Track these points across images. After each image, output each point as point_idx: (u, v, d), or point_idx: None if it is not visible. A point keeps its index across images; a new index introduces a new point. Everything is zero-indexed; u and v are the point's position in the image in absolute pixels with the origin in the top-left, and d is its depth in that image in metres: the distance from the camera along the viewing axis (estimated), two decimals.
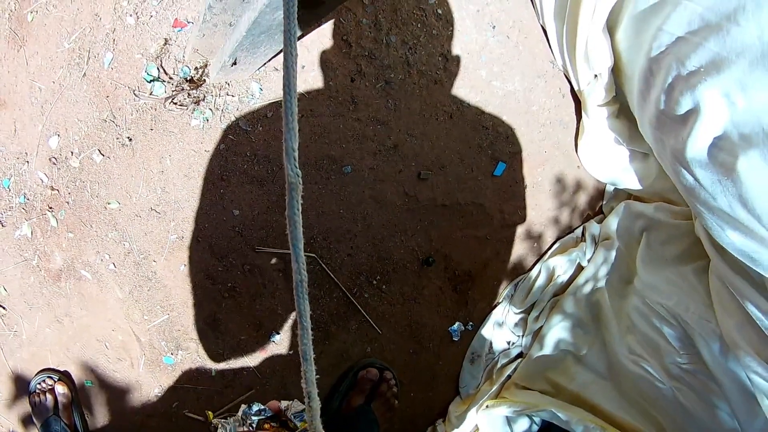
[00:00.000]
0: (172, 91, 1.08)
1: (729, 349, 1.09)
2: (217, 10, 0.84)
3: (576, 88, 1.32)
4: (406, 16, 1.17)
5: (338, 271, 1.18)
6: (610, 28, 1.20)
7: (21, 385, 1.35)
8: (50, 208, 1.21)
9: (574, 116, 1.36)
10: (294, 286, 0.43)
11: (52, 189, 1.20)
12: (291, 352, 1.22)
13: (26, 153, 1.23)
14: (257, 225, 1.13)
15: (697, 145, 0.97)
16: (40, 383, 1.30)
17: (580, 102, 1.34)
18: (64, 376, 1.31)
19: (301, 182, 0.43)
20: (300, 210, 0.44)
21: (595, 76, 1.26)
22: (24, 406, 1.36)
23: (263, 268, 1.15)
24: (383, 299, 1.24)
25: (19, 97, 1.22)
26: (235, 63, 0.96)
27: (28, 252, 1.25)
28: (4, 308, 1.33)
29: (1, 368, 1.34)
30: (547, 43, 1.31)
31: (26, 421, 1.38)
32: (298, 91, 1.10)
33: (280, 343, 1.22)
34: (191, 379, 1.22)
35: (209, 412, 0.96)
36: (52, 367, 1.31)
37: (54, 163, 1.19)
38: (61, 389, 1.28)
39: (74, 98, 1.18)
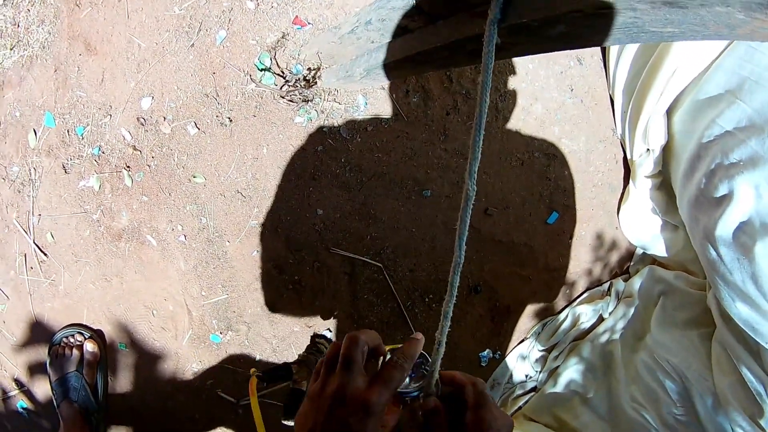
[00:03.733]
0: (286, 85, 1.13)
1: (720, 405, 1.24)
2: (373, 27, 0.90)
3: (629, 157, 1.45)
4: (503, 65, 1.27)
5: (398, 284, 1.25)
6: (669, 110, 1.34)
7: (41, 334, 1.32)
8: (128, 167, 1.21)
9: (622, 182, 1.49)
10: (453, 265, 0.54)
11: (134, 149, 1.21)
12: None
13: (110, 106, 1.23)
14: (336, 227, 1.18)
15: (725, 226, 1.12)
16: (67, 337, 1.28)
17: (629, 170, 1.48)
18: (96, 335, 1.29)
19: (474, 194, 0.54)
20: (470, 215, 0.55)
21: (648, 150, 1.40)
22: (37, 354, 1.33)
23: (332, 268, 1.20)
24: (430, 317, 1.31)
25: (113, 48, 1.22)
26: (365, 76, 1.02)
27: (90, 205, 1.24)
28: (45, 255, 1.30)
29: (23, 311, 1.31)
30: (611, 112, 1.45)
31: (34, 369, 1.35)
32: (400, 112, 1.17)
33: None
34: (234, 361, 1.25)
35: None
36: (85, 323, 1.30)
37: (142, 124, 1.20)
38: (90, 347, 1.26)
39: (177, 65, 1.19)
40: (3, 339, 1.32)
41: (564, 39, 0.63)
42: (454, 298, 0.55)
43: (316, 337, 1.11)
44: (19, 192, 1.27)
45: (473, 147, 0.58)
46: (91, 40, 1.23)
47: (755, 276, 1.08)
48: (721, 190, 1.15)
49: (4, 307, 1.31)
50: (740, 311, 1.14)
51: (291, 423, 0.81)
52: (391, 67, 0.95)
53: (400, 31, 0.91)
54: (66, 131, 1.24)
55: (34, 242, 1.28)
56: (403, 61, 0.91)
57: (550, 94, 1.35)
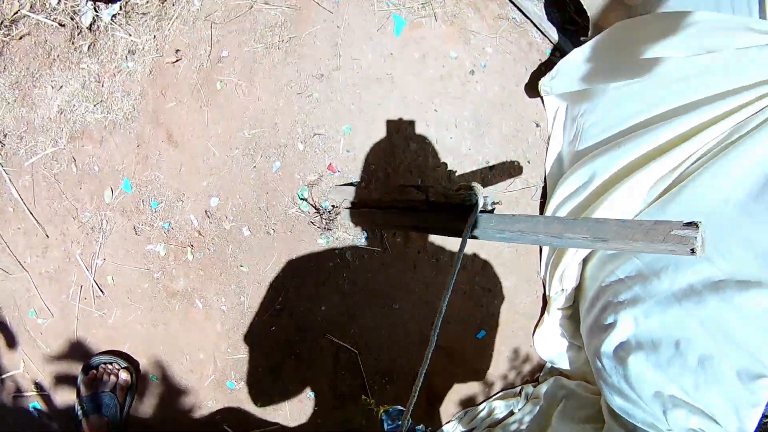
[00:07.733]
0: (318, 215, 1.65)
1: None
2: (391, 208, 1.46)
3: (546, 293, 2.00)
4: None
5: (366, 366, 1.74)
6: (585, 259, 1.86)
7: (77, 353, 1.46)
8: (191, 245, 1.63)
9: (539, 312, 2.04)
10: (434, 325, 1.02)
11: (199, 234, 1.62)
12: (320, 421, 1.72)
13: (184, 194, 1.48)
14: (333, 320, 1.68)
15: (609, 345, 1.59)
16: (105, 364, 1.43)
17: (546, 303, 2.03)
18: (132, 366, 1.50)
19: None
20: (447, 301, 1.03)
21: (563, 289, 1.95)
22: (68, 368, 1.47)
23: (325, 350, 1.69)
24: (383, 393, 1.79)
25: (192, 147, 1.45)
26: (378, 227, 1.57)
27: (153, 265, 1.53)
28: (102, 292, 1.47)
29: (65, 330, 1.46)
30: (539, 260, 2.02)
31: (61, 380, 1.47)
32: (387, 247, 1.70)
33: (313, 400, 1.72)
34: (241, 402, 1.68)
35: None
36: (124, 352, 1.50)
37: (208, 216, 1.57)
38: (125, 376, 1.45)
39: (241, 178, 1.51)
40: (35, 347, 1.46)
41: (505, 239, 1.16)
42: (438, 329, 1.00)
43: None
44: (87, 235, 1.42)
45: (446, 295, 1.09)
46: (173, 132, 1.42)
47: (626, 377, 1.52)
48: (609, 320, 1.62)
49: (45, 322, 1.45)
50: (617, 402, 1.60)
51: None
52: (398, 227, 1.48)
53: (411, 209, 1.43)
54: (141, 200, 1.44)
55: (94, 280, 1.46)
56: (409, 227, 1.45)
57: (493, 244, 1.92)
